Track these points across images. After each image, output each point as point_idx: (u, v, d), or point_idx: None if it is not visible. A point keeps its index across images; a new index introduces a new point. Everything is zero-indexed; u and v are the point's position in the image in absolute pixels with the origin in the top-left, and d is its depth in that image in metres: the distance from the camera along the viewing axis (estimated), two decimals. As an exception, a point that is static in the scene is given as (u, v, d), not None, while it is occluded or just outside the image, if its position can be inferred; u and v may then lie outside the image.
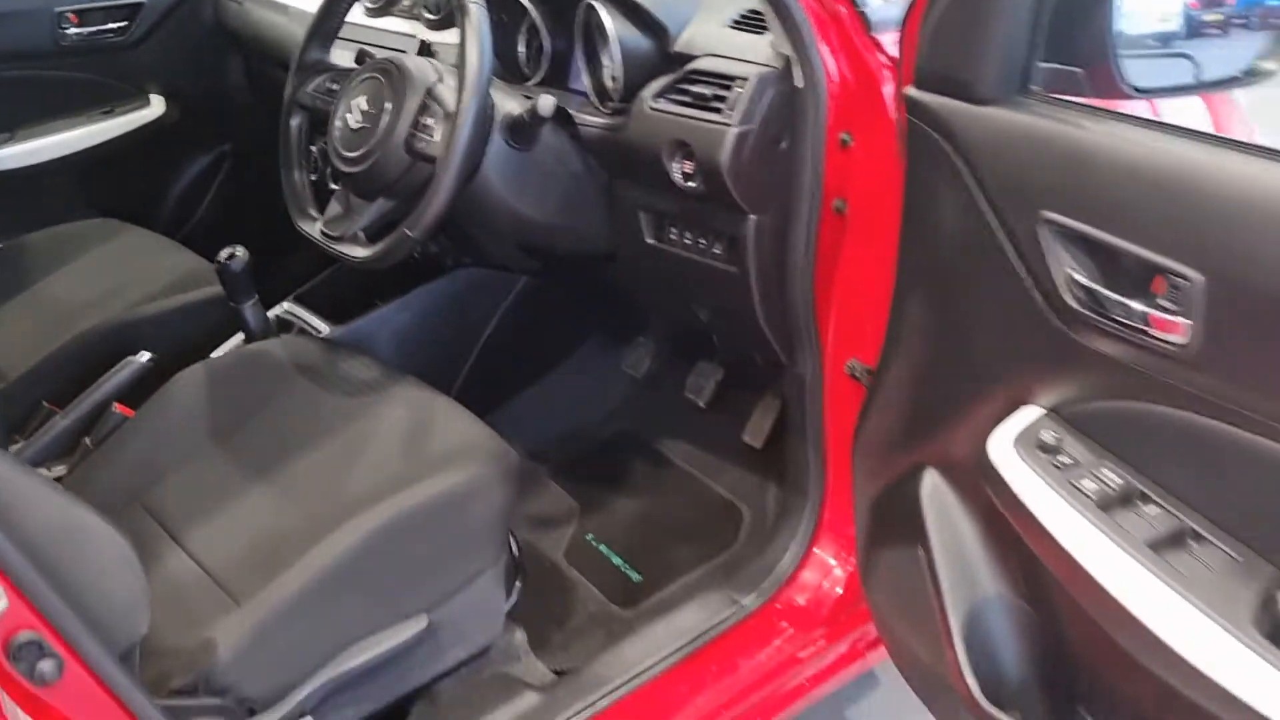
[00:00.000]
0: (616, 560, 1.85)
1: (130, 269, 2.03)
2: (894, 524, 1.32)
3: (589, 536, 1.90)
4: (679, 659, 1.51)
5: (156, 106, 2.40)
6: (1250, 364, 0.87)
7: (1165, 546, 0.94)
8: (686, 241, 1.55)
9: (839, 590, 1.60)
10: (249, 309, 1.78)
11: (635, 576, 1.81)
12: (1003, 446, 1.06)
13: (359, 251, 1.48)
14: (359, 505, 1.35)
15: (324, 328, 1.92)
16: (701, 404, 2.04)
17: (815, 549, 1.62)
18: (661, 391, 2.13)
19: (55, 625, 0.91)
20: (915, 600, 1.27)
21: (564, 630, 1.71)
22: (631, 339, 2.20)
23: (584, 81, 1.63)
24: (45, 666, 0.90)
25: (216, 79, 2.47)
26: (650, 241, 1.60)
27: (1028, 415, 1.08)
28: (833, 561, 1.61)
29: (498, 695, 1.45)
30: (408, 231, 1.40)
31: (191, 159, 2.51)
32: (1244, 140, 0.90)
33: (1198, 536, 0.94)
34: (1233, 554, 0.91)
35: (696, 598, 1.61)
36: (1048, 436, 1.03)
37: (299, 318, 1.95)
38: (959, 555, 1.22)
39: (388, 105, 1.44)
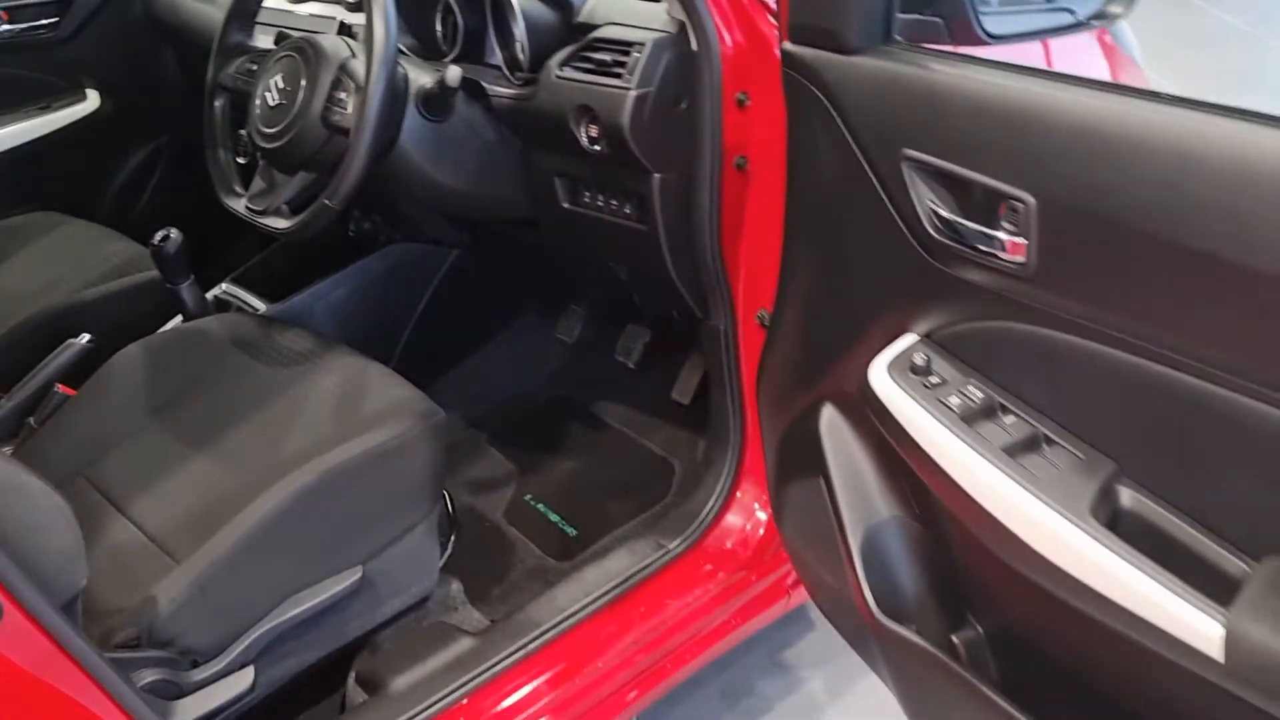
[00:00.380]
0: (554, 517, 1.92)
1: (70, 258, 2.07)
2: (798, 459, 1.40)
3: (528, 497, 1.98)
4: (608, 601, 1.58)
5: (92, 100, 2.44)
6: (1075, 275, 0.95)
7: (1020, 451, 1.02)
8: (599, 203, 1.62)
9: (761, 532, 1.68)
10: (186, 289, 1.83)
11: (571, 532, 1.88)
12: (880, 372, 1.14)
13: (281, 223, 1.54)
14: (291, 465, 1.41)
15: (261, 306, 1.97)
16: (631, 365, 2.12)
17: (737, 493, 1.70)
18: (594, 356, 2.21)
19: None
20: (820, 528, 1.34)
21: (503, 584, 1.78)
22: (564, 307, 2.27)
23: (497, 55, 1.69)
24: None
25: (150, 71, 2.51)
26: (566, 205, 1.67)
27: (904, 342, 1.16)
28: (754, 505, 1.69)
29: (435, 642, 1.52)
30: (326, 201, 1.46)
31: (130, 151, 2.54)
32: (1063, 73, 0.98)
33: (1049, 440, 1.02)
34: (1077, 453, 1.00)
35: (626, 545, 1.68)
36: (919, 359, 1.11)
37: (236, 297, 2.01)
38: (856, 482, 1.30)
39: (303, 82, 1.50)
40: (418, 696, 1.42)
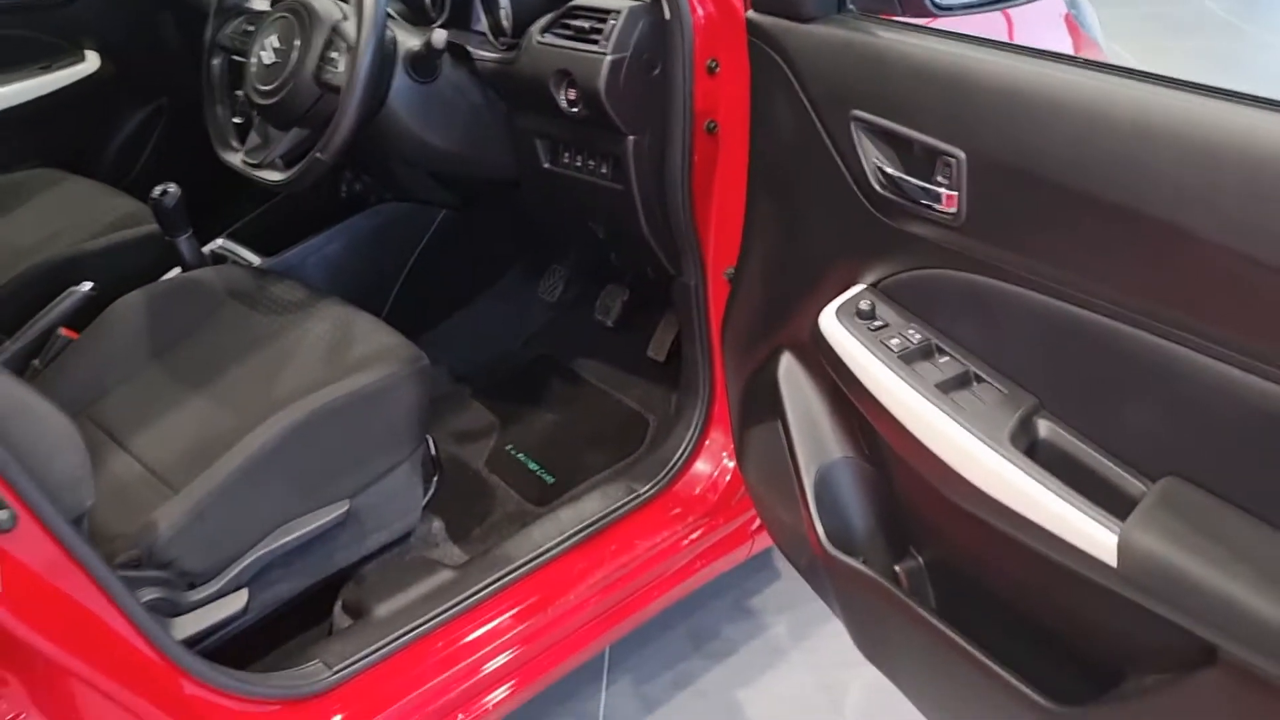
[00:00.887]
0: (533, 466, 2.02)
1: (71, 212, 2.15)
2: (758, 405, 1.49)
3: (508, 447, 2.07)
4: (580, 540, 1.68)
5: (92, 61, 2.50)
6: (999, 224, 1.04)
7: (951, 388, 1.11)
8: (578, 164, 1.71)
9: (727, 479, 1.77)
10: (184, 242, 1.92)
11: (549, 479, 1.98)
12: (829, 317, 1.23)
13: (276, 176, 1.63)
14: (283, 403, 1.50)
15: (256, 260, 2.06)
16: (610, 324, 2.22)
17: (705, 441, 1.79)
18: (574, 314, 2.30)
19: (8, 480, 1.05)
20: (777, 469, 1.44)
21: (483, 526, 1.88)
22: (546, 267, 2.37)
23: (482, 21, 1.78)
24: (0, 515, 1.04)
25: (150, 34, 2.57)
26: (547, 166, 1.75)
27: (852, 291, 1.25)
28: (722, 453, 1.79)
29: (417, 574, 1.61)
30: (318, 154, 1.55)
31: (129, 112, 2.61)
32: (990, 39, 1.07)
33: (977, 378, 1.11)
34: (1002, 389, 1.09)
35: (599, 489, 1.78)
36: (864, 305, 1.20)
37: (232, 252, 2.09)
38: (810, 425, 1.40)
39: (297, 42, 1.59)
40: (399, 623, 1.52)
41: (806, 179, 1.30)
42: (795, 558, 1.50)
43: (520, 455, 2.04)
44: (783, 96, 1.27)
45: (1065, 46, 2.15)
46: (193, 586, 1.42)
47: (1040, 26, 2.11)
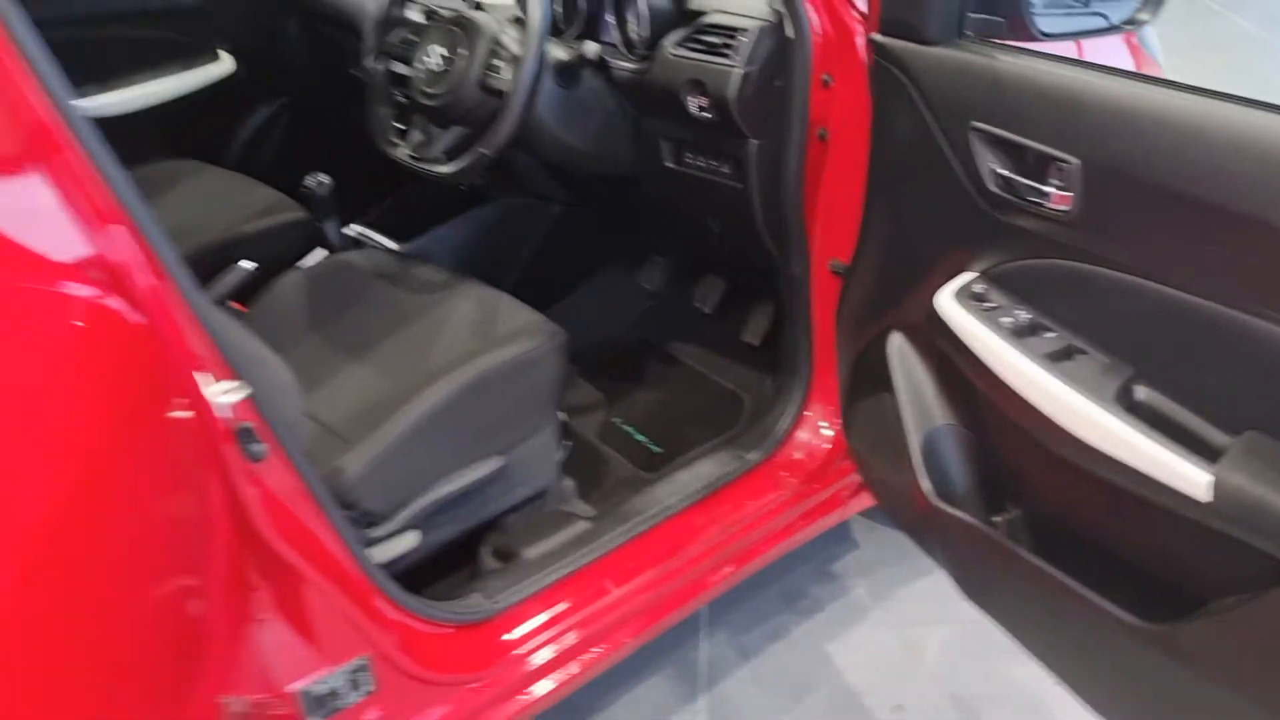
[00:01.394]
0: (640, 437, 2.22)
1: (219, 200, 2.37)
2: (868, 379, 1.69)
3: (616, 420, 2.28)
4: (698, 498, 1.88)
5: (226, 63, 2.72)
6: (1109, 220, 1.24)
7: (1058, 358, 1.30)
8: (700, 164, 1.91)
9: (826, 447, 1.97)
10: (330, 227, 2.14)
11: (657, 449, 2.19)
12: (947, 298, 1.43)
13: (442, 168, 1.83)
14: (443, 370, 1.70)
15: (391, 245, 2.27)
16: (707, 311, 2.42)
17: (806, 414, 1.99)
18: (673, 302, 2.51)
19: (265, 418, 1.25)
20: (885, 436, 1.64)
21: (601, 488, 2.09)
22: (649, 258, 2.57)
23: (613, 35, 1.98)
24: (257, 449, 1.23)
25: (277, 39, 2.79)
26: (670, 165, 1.96)
27: (965, 277, 1.45)
28: (820, 424, 1.98)
29: (557, 524, 1.82)
30: (483, 150, 1.75)
31: (255, 109, 2.83)
32: (1100, 64, 1.26)
33: (1081, 351, 1.31)
34: (1104, 360, 1.28)
35: (711, 456, 1.99)
36: (978, 288, 1.40)
37: (368, 237, 2.31)
38: (917, 396, 1.59)
39: (462, 51, 1.79)
40: (545, 564, 1.73)
41: (925, 180, 1.49)
42: (899, 514, 1.70)
43: (628, 428, 2.25)
44: (905, 109, 1.47)
45: (1128, 64, 2.33)
46: (371, 525, 1.63)
47: (1105, 45, 2.29)
